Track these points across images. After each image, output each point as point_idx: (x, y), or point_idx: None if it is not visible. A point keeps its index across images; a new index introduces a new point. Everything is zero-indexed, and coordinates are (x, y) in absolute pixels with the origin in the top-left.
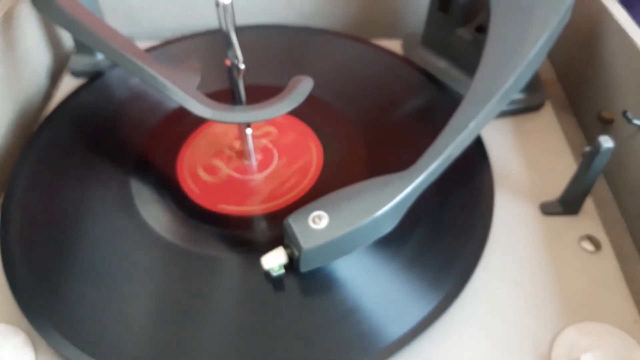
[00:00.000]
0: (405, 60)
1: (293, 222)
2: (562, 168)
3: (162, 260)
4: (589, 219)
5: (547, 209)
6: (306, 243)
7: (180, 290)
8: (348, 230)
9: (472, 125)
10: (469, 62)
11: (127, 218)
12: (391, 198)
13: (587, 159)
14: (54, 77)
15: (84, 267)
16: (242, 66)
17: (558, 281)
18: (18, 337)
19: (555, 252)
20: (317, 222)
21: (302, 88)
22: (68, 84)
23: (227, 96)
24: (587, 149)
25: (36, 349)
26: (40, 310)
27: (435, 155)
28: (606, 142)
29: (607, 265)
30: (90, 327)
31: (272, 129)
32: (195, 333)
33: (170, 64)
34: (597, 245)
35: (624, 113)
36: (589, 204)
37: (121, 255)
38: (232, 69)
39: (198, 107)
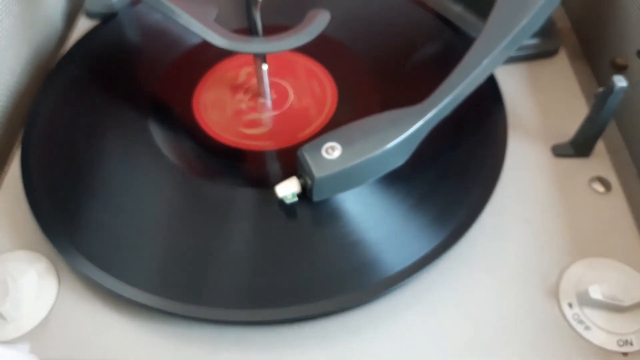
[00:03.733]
0: (419, 3)
1: (306, 152)
2: (574, 112)
3: (178, 189)
4: (600, 162)
5: (559, 151)
6: (319, 172)
7: (196, 216)
8: (359, 160)
9: (485, 62)
10: (483, 6)
11: (145, 149)
12: (403, 131)
13: (600, 99)
14: (69, 19)
15: (102, 195)
16: None
17: (567, 220)
18: (41, 263)
19: (565, 192)
20: (330, 152)
21: (319, 21)
22: (83, 26)
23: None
24: (601, 89)
25: (59, 274)
26: (62, 235)
27: (448, 91)
28: (620, 81)
29: (616, 206)
30: (111, 250)
31: (286, 67)
32: (208, 255)
33: None
34: (607, 186)
35: (638, 52)
36: (600, 147)
37: (138, 184)
38: (249, 1)
39: (215, 37)
